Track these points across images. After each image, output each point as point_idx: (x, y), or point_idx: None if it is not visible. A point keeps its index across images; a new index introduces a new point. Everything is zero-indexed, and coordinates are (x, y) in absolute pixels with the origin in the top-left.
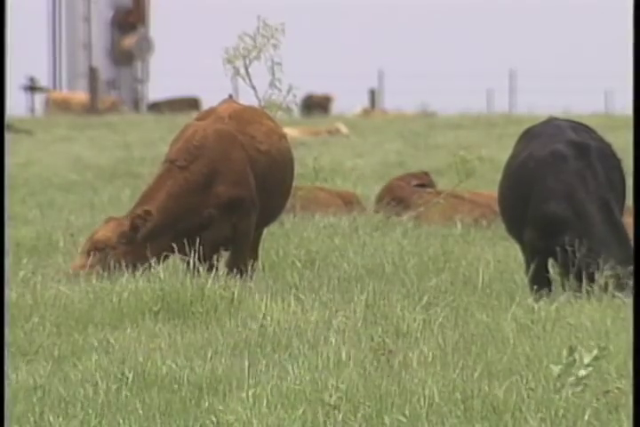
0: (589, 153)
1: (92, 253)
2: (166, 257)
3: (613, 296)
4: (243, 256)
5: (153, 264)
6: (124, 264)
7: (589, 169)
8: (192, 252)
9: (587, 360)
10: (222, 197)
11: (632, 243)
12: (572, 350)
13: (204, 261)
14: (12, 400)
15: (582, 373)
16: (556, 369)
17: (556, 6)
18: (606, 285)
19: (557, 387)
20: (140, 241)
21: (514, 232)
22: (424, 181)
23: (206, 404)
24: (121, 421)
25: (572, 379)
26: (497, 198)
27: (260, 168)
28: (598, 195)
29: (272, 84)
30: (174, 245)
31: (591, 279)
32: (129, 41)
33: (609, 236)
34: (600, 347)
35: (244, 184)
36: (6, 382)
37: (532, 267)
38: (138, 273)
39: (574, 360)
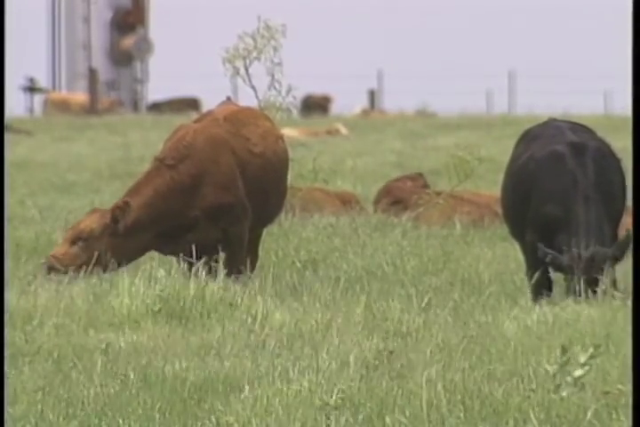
0: (585, 153)
1: (75, 243)
2: (140, 253)
3: (613, 296)
4: (238, 260)
5: (154, 266)
6: (106, 255)
7: (581, 168)
8: (189, 253)
9: (582, 359)
10: (209, 201)
11: (605, 240)
12: (564, 350)
13: (201, 262)
14: (12, 400)
15: (579, 372)
16: (550, 369)
17: (555, 7)
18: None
19: (554, 387)
20: (123, 235)
21: (516, 233)
22: (419, 183)
23: (206, 404)
24: (121, 421)
25: (569, 379)
26: (499, 200)
27: (254, 170)
28: (584, 194)
29: (271, 86)
30: (158, 243)
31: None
32: (128, 42)
33: (582, 231)
34: (595, 345)
35: (232, 190)
36: (6, 383)
37: (533, 268)
38: (138, 274)
39: (568, 359)
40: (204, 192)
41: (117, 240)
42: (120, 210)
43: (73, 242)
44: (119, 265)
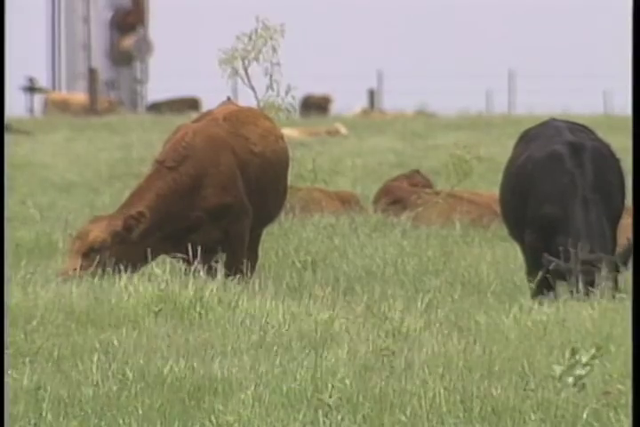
0: (583, 153)
1: (88, 255)
2: (147, 258)
3: (613, 297)
4: (238, 259)
5: (153, 266)
6: (114, 263)
7: (580, 168)
8: (191, 253)
9: (585, 359)
10: (209, 202)
11: (607, 243)
12: (574, 351)
13: (201, 262)
14: (12, 400)
15: (581, 372)
16: (557, 369)
17: (555, 6)
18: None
19: (558, 388)
20: (132, 241)
21: (515, 234)
22: (416, 181)
23: (206, 404)
24: (121, 421)
25: (570, 379)
26: (498, 200)
27: (254, 170)
28: (582, 194)
29: (270, 87)
30: (164, 246)
31: (588, 282)
32: (128, 42)
33: (583, 234)
34: (597, 346)
35: (232, 190)
36: (6, 383)
37: (533, 268)
38: (138, 274)
39: (576, 362)
40: (204, 193)
41: (126, 247)
42: (134, 219)
43: (85, 254)
44: (131, 271)
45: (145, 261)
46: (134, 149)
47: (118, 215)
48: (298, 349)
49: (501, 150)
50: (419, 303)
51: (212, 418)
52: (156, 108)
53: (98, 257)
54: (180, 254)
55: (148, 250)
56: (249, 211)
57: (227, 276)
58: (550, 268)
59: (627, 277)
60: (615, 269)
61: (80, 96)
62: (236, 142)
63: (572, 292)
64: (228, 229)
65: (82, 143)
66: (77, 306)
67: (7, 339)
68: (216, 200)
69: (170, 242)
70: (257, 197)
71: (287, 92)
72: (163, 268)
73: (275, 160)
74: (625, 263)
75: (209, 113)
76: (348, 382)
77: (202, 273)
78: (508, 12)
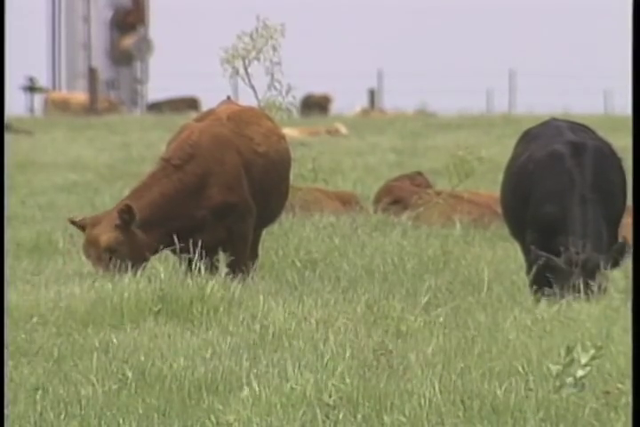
0: (584, 152)
1: (108, 259)
2: (150, 255)
3: (614, 296)
4: (242, 258)
5: (155, 265)
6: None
7: (579, 168)
8: (192, 252)
9: (584, 360)
10: (215, 201)
11: (602, 243)
12: (569, 350)
13: (203, 261)
14: (12, 400)
15: (580, 373)
16: (554, 369)
17: (555, 6)
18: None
19: (556, 387)
20: (133, 237)
21: (516, 234)
22: (418, 182)
23: (206, 404)
24: (121, 421)
25: (570, 379)
26: (499, 200)
27: (258, 170)
28: (581, 193)
29: (271, 86)
30: (167, 245)
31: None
32: (128, 41)
33: (579, 233)
34: (597, 346)
35: (237, 189)
36: (6, 382)
37: (534, 268)
38: (138, 273)
39: (572, 360)
40: (210, 192)
41: (130, 245)
42: (124, 213)
43: (107, 260)
44: (132, 269)
45: (147, 259)
46: (134, 148)
47: (113, 212)
48: (297, 348)
49: (502, 150)
50: (419, 303)
51: (212, 417)
52: (155, 107)
53: (118, 254)
54: (182, 253)
55: (150, 249)
56: (253, 210)
57: (230, 275)
58: (540, 263)
59: (626, 276)
60: (604, 268)
61: (80, 96)
62: (241, 142)
63: (570, 290)
64: (231, 229)
65: (82, 143)
66: (78, 306)
67: (7, 339)
68: (221, 199)
69: (173, 240)
70: (260, 197)
71: (288, 92)
72: (164, 266)
73: (278, 160)
74: (616, 262)
75: (211, 112)
76: (348, 381)
77: (202, 272)
78: (508, 12)
